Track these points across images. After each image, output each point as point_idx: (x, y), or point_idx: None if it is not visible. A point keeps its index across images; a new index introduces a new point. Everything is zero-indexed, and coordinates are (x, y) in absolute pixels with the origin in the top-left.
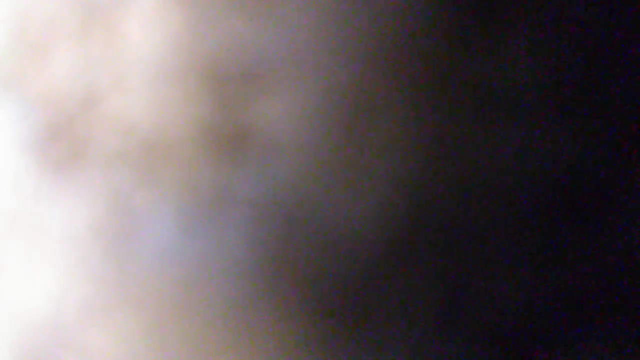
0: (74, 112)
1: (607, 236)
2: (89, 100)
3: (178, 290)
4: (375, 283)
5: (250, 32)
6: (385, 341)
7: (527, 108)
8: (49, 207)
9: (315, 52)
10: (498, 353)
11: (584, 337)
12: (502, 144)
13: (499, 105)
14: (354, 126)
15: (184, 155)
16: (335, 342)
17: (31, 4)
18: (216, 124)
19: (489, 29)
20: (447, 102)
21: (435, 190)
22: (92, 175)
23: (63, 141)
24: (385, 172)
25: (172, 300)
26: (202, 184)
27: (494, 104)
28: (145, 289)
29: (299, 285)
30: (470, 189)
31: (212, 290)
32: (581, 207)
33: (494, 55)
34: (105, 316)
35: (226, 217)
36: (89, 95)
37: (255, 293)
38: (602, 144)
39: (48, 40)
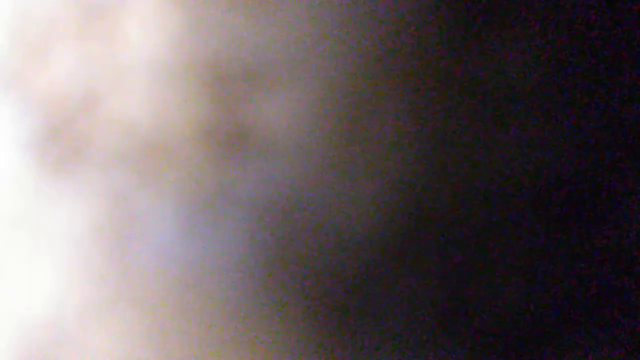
0: (74, 112)
1: (606, 236)
2: (89, 100)
3: (178, 289)
4: (375, 283)
5: (250, 32)
6: (385, 341)
7: (527, 108)
8: (49, 207)
9: (315, 52)
10: (497, 353)
11: (583, 337)
12: (502, 144)
13: (498, 105)
14: (353, 126)
15: (184, 155)
16: (335, 341)
17: (31, 4)
18: (216, 124)
19: (488, 30)
20: (447, 102)
21: (434, 190)
22: (92, 175)
23: (63, 141)
24: (385, 172)
25: (172, 299)
26: (202, 184)
27: (494, 104)
28: (145, 289)
29: (298, 285)
30: (469, 189)
31: (212, 289)
32: (580, 207)
33: (493, 55)
34: (106, 315)
35: (226, 217)
36: (89, 95)
37: (254, 292)
38: (601, 144)
39: (48, 40)
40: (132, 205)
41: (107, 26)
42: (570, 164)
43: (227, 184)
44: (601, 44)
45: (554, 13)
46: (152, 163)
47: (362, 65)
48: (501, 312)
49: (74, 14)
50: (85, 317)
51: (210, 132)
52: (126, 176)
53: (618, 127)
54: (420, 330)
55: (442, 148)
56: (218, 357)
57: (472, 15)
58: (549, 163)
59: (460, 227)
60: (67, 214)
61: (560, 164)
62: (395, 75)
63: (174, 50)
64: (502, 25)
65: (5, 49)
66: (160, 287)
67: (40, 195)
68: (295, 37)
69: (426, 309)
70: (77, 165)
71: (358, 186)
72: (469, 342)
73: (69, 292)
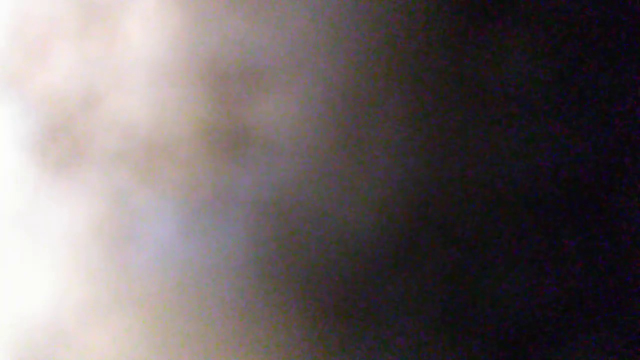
0: (74, 112)
1: (607, 236)
2: (89, 100)
3: (178, 289)
4: (375, 283)
5: (250, 32)
6: (385, 341)
7: (526, 107)
8: (49, 207)
9: (315, 52)
10: (498, 353)
11: (584, 337)
12: (502, 143)
13: (498, 105)
14: (353, 126)
15: (184, 155)
16: (335, 342)
17: (31, 4)
18: (216, 124)
19: (488, 29)
20: (447, 102)
21: (435, 190)
22: (92, 175)
23: (63, 141)
24: (385, 172)
25: (172, 300)
26: (202, 184)
27: (494, 103)
28: (145, 289)
29: (298, 285)
30: (470, 189)
31: (212, 290)
32: (581, 206)
33: (493, 55)
34: (105, 316)
35: (226, 217)
36: (89, 95)
37: (254, 293)
38: (601, 143)
39: (48, 40)
40: (132, 205)
41: (107, 26)
42: (572, 162)
43: (227, 184)
44: (602, 44)
45: (555, 12)
46: (152, 163)
47: (362, 65)
48: (502, 313)
49: (74, 14)
50: (85, 317)
51: (210, 132)
52: (126, 176)
53: (619, 127)
54: (420, 330)
55: (443, 148)
56: (218, 357)
57: (472, 15)
58: (549, 163)
59: (461, 226)
60: (67, 214)
61: (561, 163)
62: (395, 76)
63: (174, 50)
64: (502, 25)
65: (5, 49)
66: (160, 287)
67: (40, 195)
68: (295, 37)
69: (427, 309)
70: (77, 165)
71: (358, 186)
72: (470, 342)
73: (69, 292)
